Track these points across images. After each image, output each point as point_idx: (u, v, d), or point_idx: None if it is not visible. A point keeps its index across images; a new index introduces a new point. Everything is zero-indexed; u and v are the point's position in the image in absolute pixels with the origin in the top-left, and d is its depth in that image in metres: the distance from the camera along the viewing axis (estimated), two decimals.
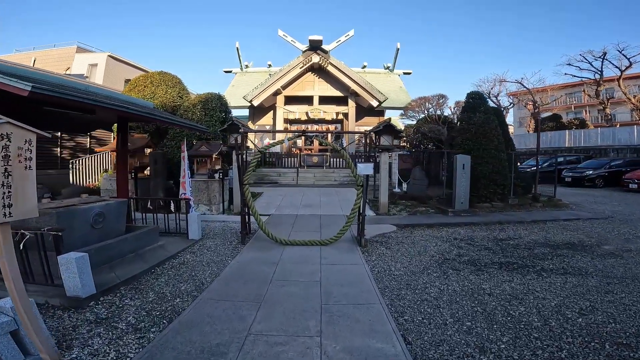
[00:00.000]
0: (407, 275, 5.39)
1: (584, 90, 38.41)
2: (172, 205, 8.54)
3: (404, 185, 13.83)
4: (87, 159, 11.96)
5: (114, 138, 10.87)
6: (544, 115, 35.03)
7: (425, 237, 7.89)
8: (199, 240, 7.25)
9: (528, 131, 35.70)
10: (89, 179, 12.17)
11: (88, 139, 13.89)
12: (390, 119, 10.07)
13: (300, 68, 21.46)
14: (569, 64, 32.59)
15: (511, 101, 35.96)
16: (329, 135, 23.64)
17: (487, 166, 11.19)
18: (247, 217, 7.46)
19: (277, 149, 21.22)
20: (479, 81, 50.96)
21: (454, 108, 17.77)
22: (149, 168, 11.00)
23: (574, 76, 33.03)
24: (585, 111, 42.33)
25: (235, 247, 6.87)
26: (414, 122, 22.37)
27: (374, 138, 10.64)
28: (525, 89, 34.95)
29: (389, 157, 16.76)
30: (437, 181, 14.43)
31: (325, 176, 18.67)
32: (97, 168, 12.66)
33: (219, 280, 5.09)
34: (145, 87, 12.17)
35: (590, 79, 32.21)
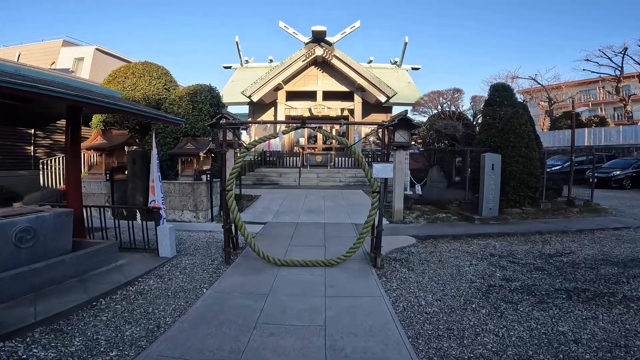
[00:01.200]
0: (444, 314, 3.93)
1: (603, 87, 36.73)
2: (138, 214, 7.06)
3: (418, 188, 12.32)
4: (60, 159, 10.58)
5: (97, 133, 9.48)
6: (561, 111, 33.41)
7: (453, 253, 6.42)
8: (172, 259, 5.82)
9: (542, 129, 34.06)
10: (63, 180, 10.78)
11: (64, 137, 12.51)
12: (406, 111, 8.63)
13: (303, 61, 20.03)
14: (587, 60, 31.05)
15: (523, 99, 34.35)
16: (334, 128, 22.21)
17: (517, 166, 9.69)
18: (233, 229, 6.03)
19: (278, 147, 19.82)
20: (490, 78, 49.22)
21: (471, 103, 16.24)
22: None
23: (593, 72, 31.48)
24: (601, 109, 40.71)
25: (217, 269, 5.43)
26: (425, 119, 20.86)
27: (385, 134, 9.18)
28: (539, 85, 33.39)
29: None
30: (449, 183, 12.92)
31: (329, 177, 17.21)
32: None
33: (183, 322, 3.65)
34: (126, 78, 10.78)
35: (610, 75, 30.62)
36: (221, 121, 5.59)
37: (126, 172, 9.54)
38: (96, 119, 10.59)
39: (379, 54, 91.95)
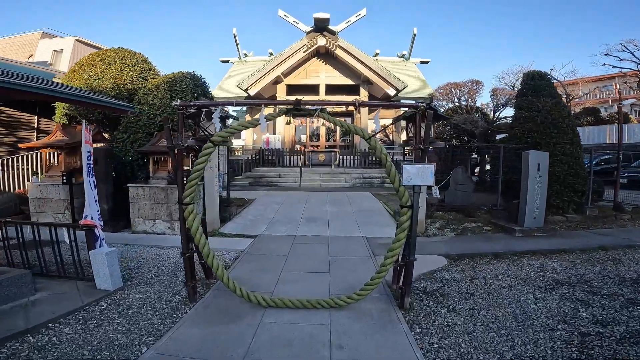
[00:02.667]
0: None
1: (625, 82, 34.84)
2: (65, 233, 5.44)
3: (435, 190, 10.65)
4: (15, 159, 9.04)
5: (57, 129, 7.92)
6: (579, 107, 31.71)
7: (503, 280, 4.78)
8: (116, 292, 4.21)
9: None
10: (23, 183, 9.24)
11: (35, 133, 11.01)
12: (432, 98, 6.94)
13: (304, 52, 18.40)
14: (608, 54, 29.22)
15: None
16: (337, 126, 20.56)
17: (561, 166, 8.03)
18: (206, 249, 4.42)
19: (277, 144, 18.22)
20: (502, 73, 47.29)
21: (491, 96, 14.60)
22: None
23: (614, 67, 29.64)
24: (618, 106, 38.81)
25: (176, 309, 3.82)
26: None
27: (417, 122, 7.56)
28: (555, 80, 31.56)
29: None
30: (477, 185, 11.24)
31: (333, 177, 15.60)
32: (38, 169, 9.75)
33: None
34: (93, 66, 9.23)
35: (632, 70, 28.74)
36: (174, 103, 3.95)
37: None
38: (59, 112, 9.04)
39: (385, 47, 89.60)
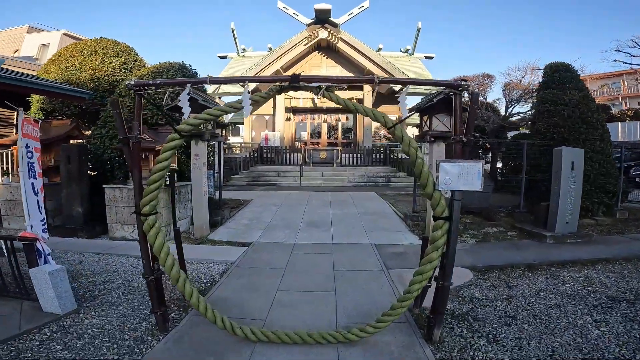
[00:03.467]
0: None
1: (636, 79, 34.01)
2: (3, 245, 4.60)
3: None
4: None
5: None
6: None
7: (546, 297, 3.96)
8: (66, 316, 3.37)
9: None
10: None
11: (15, 130, 10.19)
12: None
13: (305, 45, 17.55)
14: (618, 50, 28.37)
15: None
16: (339, 121, 19.70)
17: (592, 164, 7.20)
18: (184, 275, 3.59)
19: (276, 142, 17.38)
20: (508, 69, 46.27)
21: (503, 91, 13.69)
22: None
23: (625, 63, 28.80)
24: (625, 103, 38.07)
25: (139, 342, 2.98)
26: None
27: (457, 104, 6.77)
28: None
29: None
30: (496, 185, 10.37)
31: (336, 176, 14.77)
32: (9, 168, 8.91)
33: None
34: (71, 57, 8.42)
35: None
36: (127, 82, 3.07)
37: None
38: (34, 106, 8.21)
39: (388, 42, 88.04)
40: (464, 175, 2.58)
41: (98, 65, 8.34)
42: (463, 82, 2.70)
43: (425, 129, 6.20)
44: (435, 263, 2.69)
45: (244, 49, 25.18)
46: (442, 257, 2.71)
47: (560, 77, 8.41)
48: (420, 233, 6.54)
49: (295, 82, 2.83)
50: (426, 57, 24.94)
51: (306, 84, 2.86)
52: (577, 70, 8.67)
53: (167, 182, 5.85)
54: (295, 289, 4.15)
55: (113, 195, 6.12)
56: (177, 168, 6.71)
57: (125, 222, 6.17)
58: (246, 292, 4.05)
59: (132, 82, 2.89)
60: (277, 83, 2.88)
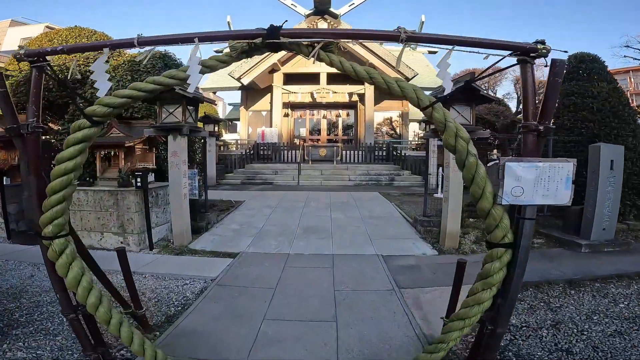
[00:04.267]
0: None
1: None
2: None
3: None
4: None
5: None
6: None
7: (604, 322, 3.19)
8: None
9: None
10: None
11: None
12: (474, 73, 5.12)
13: None
14: (628, 46, 27.50)
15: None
16: (339, 117, 18.82)
17: (625, 163, 6.34)
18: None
19: (274, 138, 16.53)
20: None
21: (516, 85, 12.82)
22: None
23: (635, 59, 27.89)
24: (632, 100, 37.31)
25: None
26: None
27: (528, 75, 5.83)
28: None
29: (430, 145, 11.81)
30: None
31: (336, 174, 13.93)
32: None
33: None
34: (39, 47, 7.56)
35: None
36: (16, 53, 2.16)
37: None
38: None
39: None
40: (543, 183, 1.72)
41: (68, 55, 7.53)
42: (540, 45, 1.81)
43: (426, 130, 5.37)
44: (486, 305, 1.85)
45: None
46: (495, 297, 1.87)
47: (586, 68, 7.59)
48: (434, 241, 5.70)
49: (273, 37, 1.97)
50: (429, 52, 24.01)
51: (290, 40, 2.00)
52: (604, 62, 7.83)
53: (140, 184, 5.03)
54: (286, 317, 3.32)
55: (77, 198, 5.28)
56: (154, 167, 5.87)
57: (93, 229, 5.33)
58: (224, 322, 3.21)
59: (24, 51, 2.03)
60: (248, 41, 2.00)
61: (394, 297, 3.79)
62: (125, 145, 5.13)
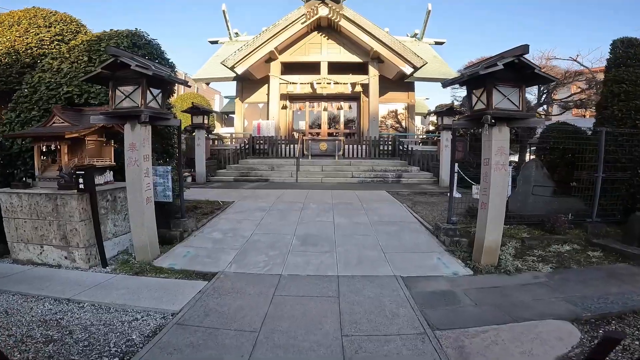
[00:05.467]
0: None
1: None
2: None
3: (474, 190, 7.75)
4: None
5: None
6: None
7: None
8: None
9: (584, 116, 29.04)
10: None
11: None
12: (527, 46, 3.84)
13: (303, 24, 15.38)
14: None
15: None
16: (341, 110, 17.56)
17: None
18: None
19: (270, 131, 15.32)
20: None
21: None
22: None
23: None
24: None
25: None
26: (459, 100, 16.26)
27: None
28: (583, 67, 28.47)
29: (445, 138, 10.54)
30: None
31: (338, 170, 12.73)
32: None
33: None
34: None
35: None
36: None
37: None
38: None
39: (394, 26, 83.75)
40: None
41: (19, 37, 6.42)
42: None
43: (480, 106, 4.15)
44: None
45: (237, 33, 23.01)
46: None
47: (635, 53, 6.43)
48: (464, 256, 4.52)
49: None
50: (436, 43, 22.79)
51: None
52: None
53: (84, 185, 3.85)
54: None
55: (10, 203, 4.11)
56: (112, 164, 4.67)
57: (31, 241, 4.16)
58: None
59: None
60: None
61: (427, 346, 2.63)
62: (66, 136, 3.93)
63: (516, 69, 3.93)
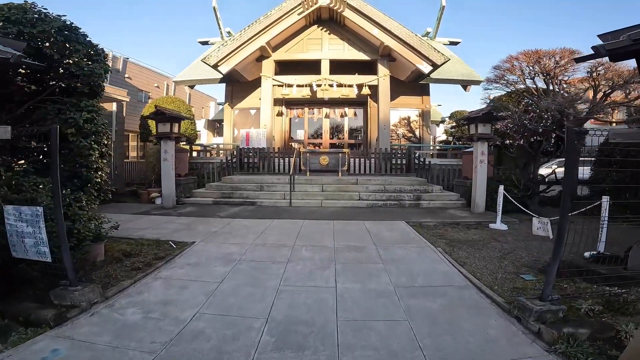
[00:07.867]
0: None
1: None
2: None
3: (543, 225, 5.25)
4: None
5: None
6: None
7: None
8: None
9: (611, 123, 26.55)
10: None
11: None
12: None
13: (300, 15, 13.13)
14: None
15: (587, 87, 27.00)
16: (345, 117, 15.17)
17: None
18: None
19: (261, 142, 12.98)
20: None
21: (590, 75, 9.14)
22: None
23: None
24: None
25: None
26: (484, 104, 13.85)
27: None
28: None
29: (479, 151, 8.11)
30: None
31: (342, 191, 10.32)
32: None
33: None
34: None
35: None
36: None
37: None
38: None
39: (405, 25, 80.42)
40: None
41: None
42: None
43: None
44: None
45: (229, 33, 20.83)
46: None
47: None
48: None
49: None
50: (451, 43, 20.57)
51: None
52: None
53: None
54: None
55: None
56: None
57: None
58: None
59: None
60: None
61: None
62: None
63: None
